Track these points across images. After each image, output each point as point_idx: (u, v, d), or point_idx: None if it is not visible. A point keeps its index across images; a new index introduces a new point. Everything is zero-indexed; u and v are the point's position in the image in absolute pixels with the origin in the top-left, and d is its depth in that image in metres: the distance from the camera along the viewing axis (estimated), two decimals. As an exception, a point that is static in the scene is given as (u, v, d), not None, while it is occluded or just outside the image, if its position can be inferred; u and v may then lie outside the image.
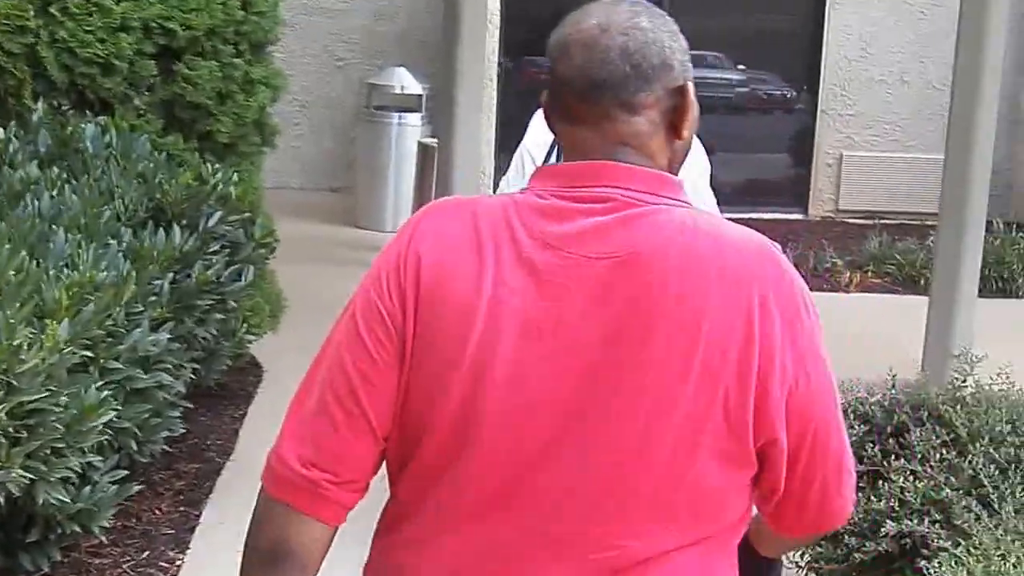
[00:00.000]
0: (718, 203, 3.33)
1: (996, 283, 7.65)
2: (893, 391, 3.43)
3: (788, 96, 10.47)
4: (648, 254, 1.39)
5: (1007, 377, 3.39)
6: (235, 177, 4.01)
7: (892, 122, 10.05)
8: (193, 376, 3.86)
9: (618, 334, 1.38)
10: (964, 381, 3.42)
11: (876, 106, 10.00)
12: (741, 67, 10.43)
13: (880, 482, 3.08)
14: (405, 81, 8.75)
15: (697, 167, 3.09)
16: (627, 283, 1.39)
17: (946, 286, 5.36)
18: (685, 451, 1.39)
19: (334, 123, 9.84)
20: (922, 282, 7.31)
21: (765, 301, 1.40)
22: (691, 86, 1.50)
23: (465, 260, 1.41)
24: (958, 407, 3.24)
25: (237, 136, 4.31)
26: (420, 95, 8.73)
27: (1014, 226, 8.59)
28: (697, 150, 2.62)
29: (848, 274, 7.89)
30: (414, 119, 8.67)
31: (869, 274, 7.98)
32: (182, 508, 4.03)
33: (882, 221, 9.97)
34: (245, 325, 4.21)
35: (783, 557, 1.85)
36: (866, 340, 6.14)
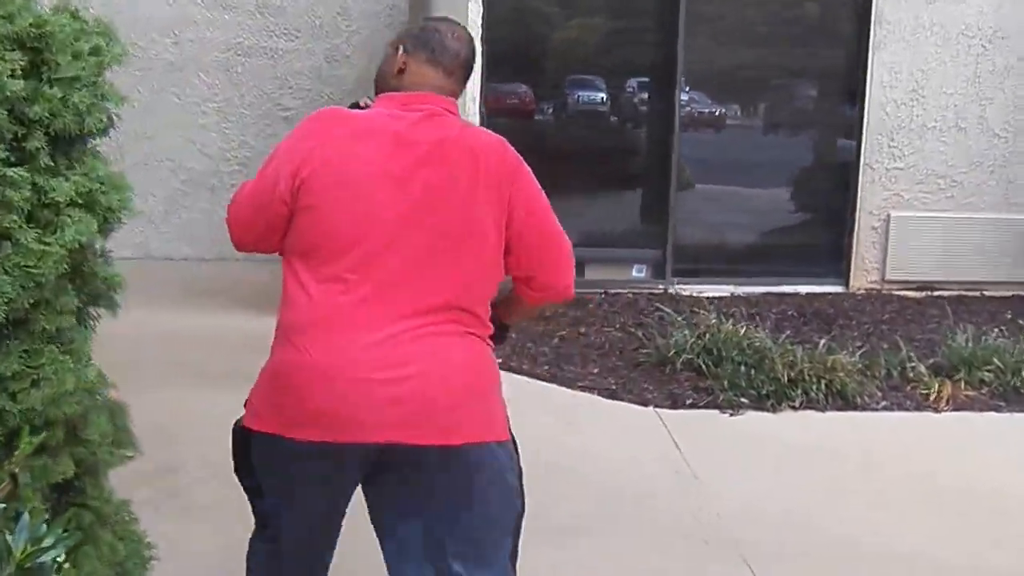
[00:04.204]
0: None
1: None
2: None
3: (824, 147, 8.40)
4: (450, 136, 2.43)
5: None
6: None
7: (947, 176, 7.99)
8: None
9: (438, 177, 2.38)
10: None
11: (929, 158, 7.94)
12: (766, 115, 8.37)
13: None
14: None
15: None
16: (439, 150, 2.39)
17: None
18: (478, 238, 2.39)
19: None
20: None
21: (507, 157, 2.47)
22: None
23: (348, 141, 2.40)
24: None
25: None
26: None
27: None
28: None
29: (937, 387, 5.79)
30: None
31: (962, 384, 5.89)
32: None
33: (935, 292, 7.92)
34: None
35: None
36: (1001, 501, 4.14)
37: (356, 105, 2.63)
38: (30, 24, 2.29)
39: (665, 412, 5.22)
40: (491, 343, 2.47)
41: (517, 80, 7.83)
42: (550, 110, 7.95)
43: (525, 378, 5.66)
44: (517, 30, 7.69)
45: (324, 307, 2.31)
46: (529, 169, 2.47)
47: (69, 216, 2.37)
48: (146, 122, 7.00)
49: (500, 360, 6.11)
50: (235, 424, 2.59)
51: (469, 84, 6.70)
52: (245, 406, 2.49)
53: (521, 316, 2.72)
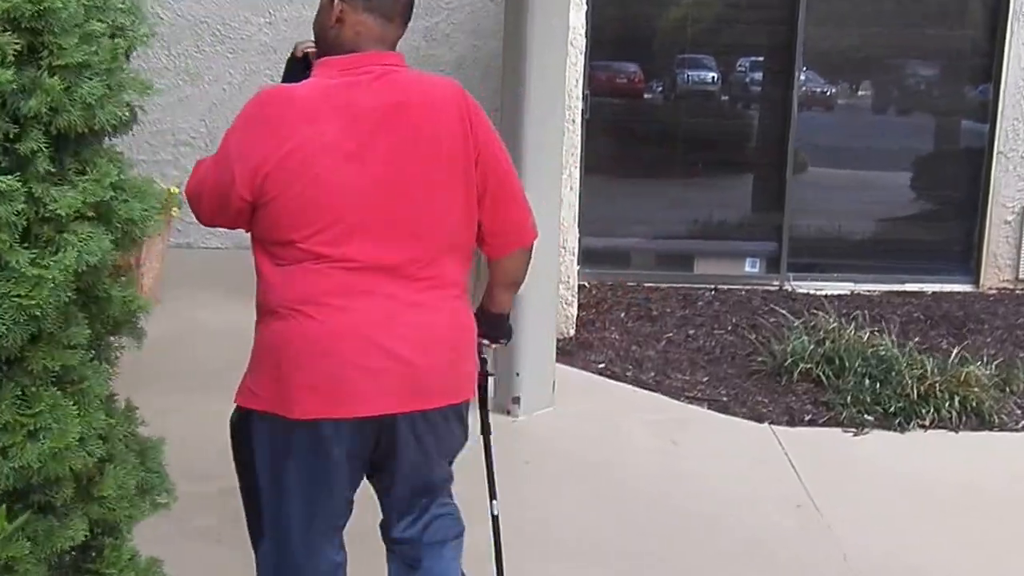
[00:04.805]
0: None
1: None
2: None
3: (953, 132, 7.66)
4: (404, 96, 2.31)
5: None
6: None
7: (1093, 164, 7.19)
8: None
9: (400, 138, 2.28)
10: None
11: (1073, 145, 7.16)
12: (890, 98, 7.66)
13: None
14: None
15: None
16: (395, 112, 2.28)
17: None
18: (450, 190, 2.33)
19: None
20: None
21: (466, 104, 2.36)
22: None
23: (301, 125, 2.25)
24: None
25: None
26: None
27: None
28: None
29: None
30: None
31: None
32: None
33: (1078, 293, 7.16)
34: None
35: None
36: None
37: (295, 60, 2.56)
38: (26, 0, 1.85)
39: (781, 430, 4.66)
40: (469, 302, 2.47)
41: (625, 59, 7.28)
42: (659, 90, 7.37)
43: (629, 387, 5.16)
44: (626, 5, 7.12)
45: (303, 286, 2.26)
46: (482, 109, 2.40)
47: (75, 232, 1.94)
48: (239, 105, 6.62)
49: (603, 364, 5.74)
50: (232, 417, 2.51)
51: (572, 63, 6.25)
52: (239, 392, 2.41)
53: (503, 290, 2.61)
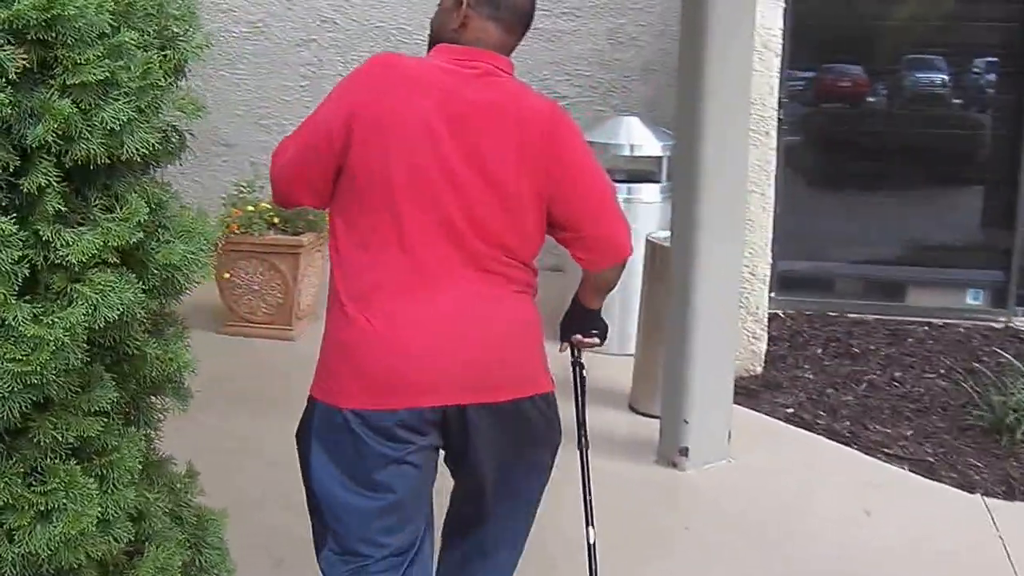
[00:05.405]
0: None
1: None
2: None
3: None
4: (501, 99, 2.32)
5: None
6: None
7: None
8: None
9: (486, 136, 2.27)
10: None
11: None
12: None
13: None
14: (637, 136, 5.68)
15: None
16: (489, 111, 2.28)
17: None
18: (520, 200, 2.30)
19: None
20: None
21: (556, 127, 2.34)
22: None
23: (402, 92, 2.26)
24: None
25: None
26: (660, 157, 5.67)
27: None
28: None
29: None
30: (650, 193, 5.62)
31: None
32: None
33: None
34: None
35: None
36: None
37: None
38: (32, 6, 1.56)
39: (997, 504, 4.01)
40: (535, 296, 2.45)
41: (831, 62, 6.65)
42: (877, 96, 6.69)
43: (820, 438, 4.60)
44: (830, 3, 6.50)
45: (376, 270, 2.26)
46: (578, 129, 2.41)
47: (91, 282, 1.65)
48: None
49: (791, 409, 5.19)
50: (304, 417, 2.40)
51: (763, 71, 5.67)
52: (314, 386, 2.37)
53: (595, 293, 2.61)
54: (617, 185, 5.82)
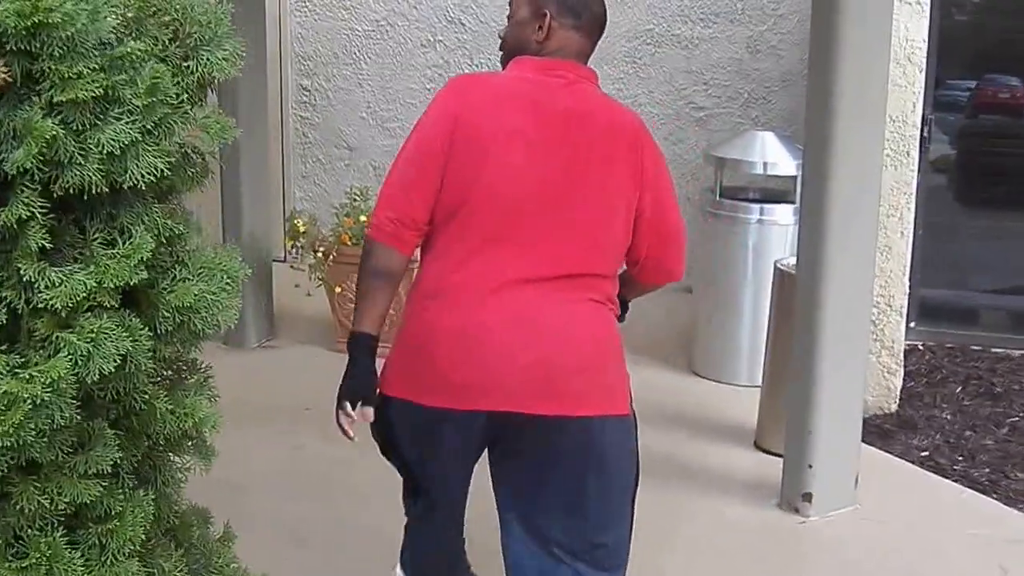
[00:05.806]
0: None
1: None
2: None
3: None
4: (590, 108, 2.35)
5: None
6: None
7: None
8: None
9: (577, 146, 2.29)
10: None
11: None
12: None
13: None
14: (771, 153, 5.29)
15: None
16: (579, 121, 2.31)
17: None
18: (610, 211, 2.32)
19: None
20: None
21: (643, 139, 2.37)
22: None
23: (490, 105, 2.32)
24: None
25: None
26: (795, 177, 5.25)
27: None
28: None
29: None
30: (784, 214, 5.21)
31: None
32: None
33: None
34: None
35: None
36: None
37: None
38: (12, 11, 1.36)
39: None
40: (616, 314, 2.46)
41: (988, 72, 6.15)
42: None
43: (956, 485, 4.18)
44: (985, 10, 6.00)
45: (459, 273, 2.29)
46: (659, 147, 2.44)
47: (81, 329, 1.44)
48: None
49: (926, 452, 4.78)
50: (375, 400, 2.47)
51: (905, 85, 5.23)
52: (381, 374, 2.44)
53: (635, 292, 2.62)
54: (749, 204, 5.54)
